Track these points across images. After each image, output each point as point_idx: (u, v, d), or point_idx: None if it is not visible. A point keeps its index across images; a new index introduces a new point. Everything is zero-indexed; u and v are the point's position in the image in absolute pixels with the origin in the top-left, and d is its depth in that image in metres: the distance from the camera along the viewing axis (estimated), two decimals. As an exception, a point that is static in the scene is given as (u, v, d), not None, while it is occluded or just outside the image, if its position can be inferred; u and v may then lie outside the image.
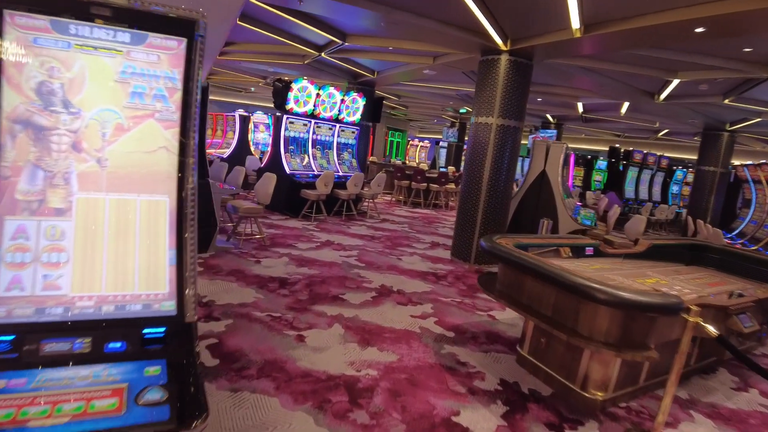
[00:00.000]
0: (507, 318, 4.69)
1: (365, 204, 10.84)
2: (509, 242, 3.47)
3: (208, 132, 13.97)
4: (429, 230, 9.38)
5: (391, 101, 16.75)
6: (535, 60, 6.45)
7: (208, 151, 13.55)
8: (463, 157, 22.45)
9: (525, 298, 3.25)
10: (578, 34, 5.32)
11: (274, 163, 9.36)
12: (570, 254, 4.18)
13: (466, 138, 22.66)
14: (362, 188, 9.79)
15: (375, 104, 11.85)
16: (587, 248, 4.32)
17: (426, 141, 27.96)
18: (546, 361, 3.47)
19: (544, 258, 3.41)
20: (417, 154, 26.77)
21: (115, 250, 1.80)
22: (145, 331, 1.73)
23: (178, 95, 1.93)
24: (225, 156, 12.20)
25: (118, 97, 1.83)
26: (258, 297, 4.54)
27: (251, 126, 13.19)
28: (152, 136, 1.90)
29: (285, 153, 9.23)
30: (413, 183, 12.78)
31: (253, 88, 16.47)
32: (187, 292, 1.83)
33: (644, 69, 7.47)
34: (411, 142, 27.79)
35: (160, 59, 1.88)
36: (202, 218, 5.83)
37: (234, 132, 12.61)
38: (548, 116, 15.73)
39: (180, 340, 1.76)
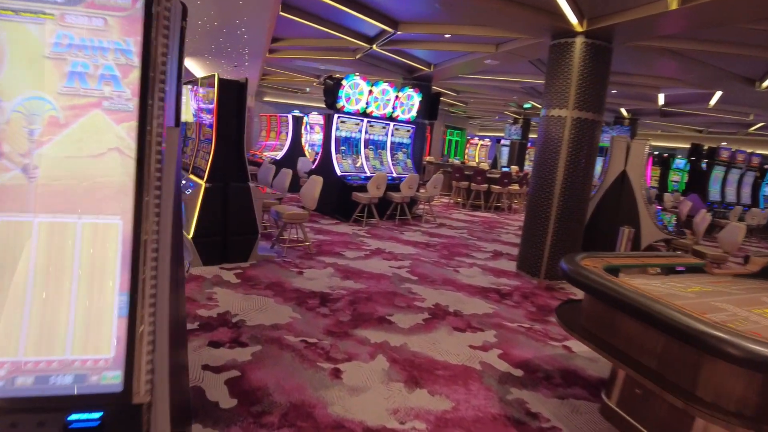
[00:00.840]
0: (587, 350, 3.88)
1: (420, 207, 10.18)
2: (597, 264, 2.71)
3: (262, 134, 13.85)
4: (490, 237, 8.58)
5: (449, 97, 15.97)
6: (615, 42, 5.54)
7: (259, 153, 13.40)
8: (527, 156, 21.27)
9: (619, 341, 2.48)
10: (674, 5, 4.40)
11: (325, 165, 8.91)
12: (659, 271, 3.34)
13: (530, 136, 21.52)
14: (417, 190, 9.15)
15: (432, 100, 11.16)
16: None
17: (486, 139, 26.83)
18: (641, 418, 2.67)
19: (630, 278, 2.62)
20: (477, 154, 25.73)
21: (42, 294, 1.27)
22: (72, 418, 1.18)
23: (134, 75, 1.36)
24: (278, 158, 11.96)
25: (50, 79, 1.31)
26: (294, 317, 4.02)
27: (304, 127, 12.88)
28: (99, 134, 1.35)
29: (336, 154, 8.76)
30: (473, 184, 11.98)
31: (308, 89, 16.26)
32: (139, 358, 1.27)
33: (749, 49, 6.32)
34: (470, 141, 26.75)
35: (108, 25, 1.33)
36: (243, 225, 5.42)
37: (287, 133, 12.36)
38: (622, 110, 14.36)
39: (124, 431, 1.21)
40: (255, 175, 7.91)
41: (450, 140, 27.99)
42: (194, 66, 9.98)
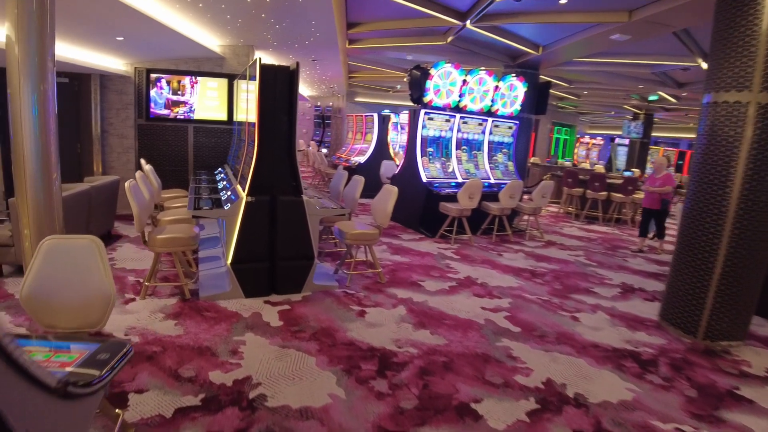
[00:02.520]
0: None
1: (524, 219, 8.52)
2: None
3: (349, 135, 12.93)
4: (614, 262, 6.73)
5: (559, 89, 13.93)
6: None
7: (344, 156, 12.46)
8: (649, 158, 18.38)
9: None
10: None
11: (409, 170, 7.65)
12: None
13: (653, 134, 18.53)
14: (520, 200, 7.53)
15: (539, 91, 9.43)
16: None
17: (598, 138, 23.81)
18: None
19: None
20: (588, 154, 22.90)
21: None
22: None
23: None
24: (362, 162, 10.93)
25: None
26: (335, 395, 2.78)
27: (393, 127, 11.74)
28: None
29: (422, 157, 7.45)
30: (589, 191, 10.00)
31: (398, 86, 15.11)
32: None
33: None
34: (580, 140, 23.91)
35: None
36: (295, 248, 4.30)
37: (373, 134, 11.29)
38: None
39: None
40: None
41: (557, 139, 25.35)
42: (269, 59, 9.17)
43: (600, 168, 16.17)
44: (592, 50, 7.86)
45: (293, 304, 4.18)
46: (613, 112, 22.30)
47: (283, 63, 9.58)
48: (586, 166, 17.27)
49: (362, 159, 11.09)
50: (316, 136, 19.12)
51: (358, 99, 17.42)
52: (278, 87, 4.07)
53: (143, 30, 5.29)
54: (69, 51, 6.19)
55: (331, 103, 18.09)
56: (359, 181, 5.37)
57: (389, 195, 4.69)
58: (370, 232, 4.67)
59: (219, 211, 4.09)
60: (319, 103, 19.09)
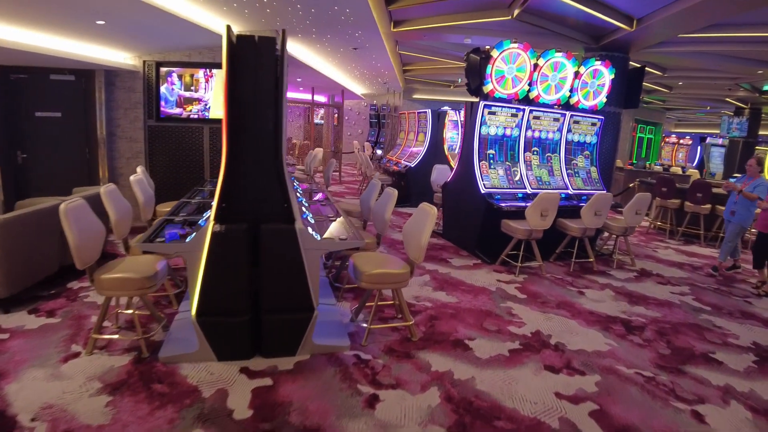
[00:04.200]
0: None
1: (609, 241, 6.81)
2: None
3: (401, 135, 11.58)
4: (733, 305, 4.94)
5: (649, 79, 11.78)
6: None
7: (394, 159, 11.13)
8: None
9: None
10: None
11: (464, 177, 6.21)
12: None
13: (761, 132, 15.68)
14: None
15: (630, 78, 7.64)
16: None
17: (687, 137, 20.75)
18: None
19: None
20: (673, 155, 19.97)
21: None
22: None
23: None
24: (412, 165, 9.55)
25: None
26: None
27: (452, 125, 10.28)
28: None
29: (480, 161, 5.97)
30: (689, 203, 8.03)
31: (459, 79, 13.54)
32: None
33: None
34: (666, 139, 20.96)
35: None
36: (287, 296, 3.06)
37: (425, 134, 9.88)
38: None
39: None
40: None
41: (640, 138, 22.54)
42: (302, 50, 7.90)
43: (694, 173, 13.72)
44: (704, 21, 6.02)
45: (280, 375, 2.93)
46: (708, 107, 19.42)
47: (321, 53, 8.36)
48: (676, 170, 14.80)
49: (413, 162, 9.71)
50: (371, 137, 17.98)
51: (416, 96, 16.03)
52: (260, 68, 2.82)
53: (128, 11, 4.28)
54: (69, 45, 5.34)
55: (386, 101, 16.86)
56: (390, 196, 4.03)
57: (425, 219, 3.30)
58: (396, 271, 3.32)
59: (174, 246, 2.91)
60: (374, 102, 17.92)
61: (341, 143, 16.55)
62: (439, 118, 9.74)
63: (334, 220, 3.66)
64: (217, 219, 2.88)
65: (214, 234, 2.85)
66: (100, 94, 5.92)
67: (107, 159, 6.14)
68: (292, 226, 2.92)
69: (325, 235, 3.16)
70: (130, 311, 3.37)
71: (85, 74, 5.97)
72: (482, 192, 5.74)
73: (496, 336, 3.68)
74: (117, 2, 3.99)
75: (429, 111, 9.78)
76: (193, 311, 2.97)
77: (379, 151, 15.65)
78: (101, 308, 3.20)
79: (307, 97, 15.11)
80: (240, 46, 2.78)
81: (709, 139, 18.56)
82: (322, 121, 18.19)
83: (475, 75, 5.96)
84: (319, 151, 11.27)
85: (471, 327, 3.81)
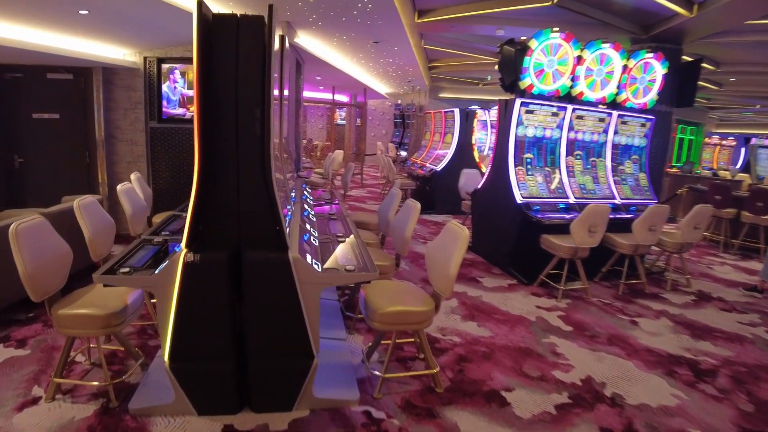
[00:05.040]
0: None
1: (661, 259, 6.01)
2: None
3: (425, 136, 10.90)
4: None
5: (701, 74, 10.77)
6: None
7: (419, 161, 10.48)
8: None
9: None
10: None
11: (497, 184, 5.54)
12: None
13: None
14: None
15: (685, 74, 6.80)
16: None
17: (730, 137, 19.31)
18: None
19: None
20: (715, 157, 18.56)
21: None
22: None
23: None
24: (438, 170, 8.87)
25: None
26: None
27: (478, 125, 9.56)
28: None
29: (516, 166, 5.28)
30: (746, 213, 7.13)
31: (489, 76, 12.76)
32: None
33: None
34: (708, 140, 19.56)
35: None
36: (279, 339, 2.46)
37: (452, 135, 9.19)
38: None
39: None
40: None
41: (680, 139, 21.21)
42: (318, 45, 7.27)
43: (745, 177, 12.58)
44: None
45: (265, 443, 2.34)
46: (758, 106, 18.10)
47: (329, 45, 7.67)
48: (725, 175, 13.64)
49: (439, 166, 9.04)
50: (395, 138, 17.34)
51: (442, 95, 15.31)
52: (243, 55, 2.23)
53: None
54: (64, 41, 4.89)
55: (411, 101, 16.20)
56: (412, 210, 3.39)
57: (454, 243, 2.65)
58: (417, 309, 2.67)
59: (139, 279, 2.34)
60: (399, 101, 17.27)
61: (364, 145, 15.97)
62: (467, 118, 9.04)
63: (344, 241, 3.04)
64: (191, 245, 2.30)
65: (186, 265, 2.27)
66: (98, 93, 5.44)
67: (107, 163, 5.68)
68: (284, 254, 2.31)
69: (328, 264, 2.54)
70: (100, 347, 2.83)
71: (83, 73, 5.52)
72: (518, 202, 5.04)
73: (539, 385, 3.00)
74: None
75: (456, 110, 9.08)
76: (166, 356, 2.40)
77: (403, 153, 15.00)
78: (63, 348, 2.67)
79: (328, 96, 14.58)
80: (217, 27, 2.19)
81: (755, 140, 17.22)
82: (345, 122, 17.62)
83: (510, 69, 5.28)
84: (338, 154, 10.70)
85: (508, 372, 3.14)
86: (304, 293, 2.36)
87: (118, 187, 3.90)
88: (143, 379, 2.85)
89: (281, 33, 5.43)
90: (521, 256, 5.09)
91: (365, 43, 7.16)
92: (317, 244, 2.89)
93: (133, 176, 4.51)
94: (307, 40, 6.53)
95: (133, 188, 4.18)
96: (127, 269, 2.36)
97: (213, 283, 2.32)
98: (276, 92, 2.43)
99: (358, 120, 17.12)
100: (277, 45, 2.29)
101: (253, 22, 2.19)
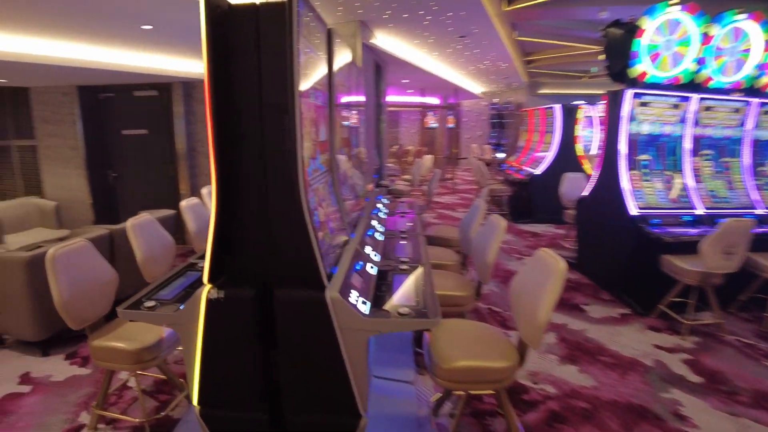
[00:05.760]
0: None
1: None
2: None
3: (523, 136, 10.01)
4: None
5: None
6: None
7: (515, 164, 9.69)
8: None
9: None
10: None
11: (606, 190, 4.74)
12: None
13: None
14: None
15: None
16: None
17: None
18: None
19: None
20: None
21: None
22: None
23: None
24: (537, 174, 8.00)
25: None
26: None
27: (585, 122, 8.53)
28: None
29: (628, 170, 4.44)
30: None
31: (594, 68, 11.47)
32: None
33: None
34: None
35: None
36: (319, 391, 2.06)
37: (553, 134, 8.26)
38: None
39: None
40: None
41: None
42: (399, 44, 6.75)
43: None
44: None
45: None
46: None
47: (411, 44, 7.13)
48: None
49: (538, 169, 8.19)
50: (492, 139, 16.45)
51: (542, 91, 14.17)
52: (265, 51, 1.83)
53: (179, 12, 3.63)
54: (145, 59, 5.00)
55: (508, 99, 15.23)
56: (495, 229, 2.82)
57: (547, 278, 2.04)
58: (495, 366, 2.10)
59: (162, 316, 2.04)
60: (495, 100, 16.35)
61: (457, 148, 15.31)
62: (570, 115, 8.10)
63: (408, 269, 2.54)
64: (214, 279, 1.96)
65: (209, 302, 1.93)
66: (179, 107, 5.51)
67: (188, 176, 5.73)
68: (319, 293, 1.88)
69: (382, 304, 2.07)
70: (138, 382, 2.62)
71: (166, 88, 5.63)
72: (632, 214, 4.21)
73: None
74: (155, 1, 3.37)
75: (557, 106, 8.17)
76: (195, 400, 2.09)
77: (501, 155, 14.11)
78: (103, 380, 2.50)
79: (417, 99, 14.14)
80: (233, 19, 1.82)
81: None
82: (437, 125, 17.08)
83: (619, 55, 4.46)
84: (427, 159, 10.22)
85: (620, 440, 2.45)
86: (345, 341, 1.91)
87: (183, 203, 3.76)
88: (185, 415, 2.61)
89: (353, 33, 5.09)
90: (636, 279, 4.24)
91: (450, 38, 6.59)
92: (374, 272, 2.43)
93: (204, 190, 4.40)
94: (386, 40, 6.13)
95: (201, 203, 4.05)
96: (152, 303, 2.09)
97: (240, 323, 1.96)
98: (311, 98, 2.02)
99: (451, 121, 16.48)
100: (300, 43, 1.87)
101: (278, 12, 1.79)
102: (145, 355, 2.33)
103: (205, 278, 1.95)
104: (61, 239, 3.92)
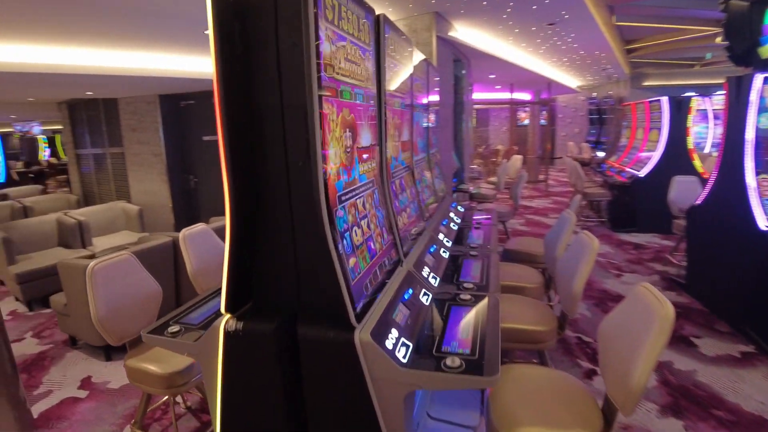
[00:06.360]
0: None
1: None
2: None
3: (625, 133, 8.97)
4: None
5: None
6: None
7: (616, 165, 8.75)
8: None
9: None
10: None
11: (725, 198, 3.95)
12: None
13: None
14: None
15: None
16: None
17: None
18: None
19: None
20: None
21: None
22: None
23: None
24: (641, 176, 7.07)
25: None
26: None
27: (696, 116, 7.43)
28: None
29: (756, 173, 3.64)
30: None
31: (709, 54, 9.98)
32: None
33: None
34: None
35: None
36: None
37: (659, 131, 7.24)
38: None
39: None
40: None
41: None
42: (481, 36, 6.19)
43: None
44: None
45: None
46: None
47: (494, 35, 6.51)
48: None
49: (642, 171, 7.26)
50: (591, 136, 15.18)
51: (647, 83, 12.78)
52: (282, 43, 1.54)
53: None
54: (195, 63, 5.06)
55: (610, 92, 13.95)
56: (585, 249, 2.35)
57: (647, 327, 1.58)
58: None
59: (181, 344, 1.84)
60: (594, 94, 15.07)
61: (550, 146, 14.31)
62: (679, 108, 7.08)
63: (471, 302, 2.13)
64: (232, 309, 1.71)
65: (227, 334, 1.68)
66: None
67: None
68: (348, 334, 1.55)
69: (435, 348, 1.70)
70: (173, 406, 2.48)
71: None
72: (762, 228, 3.43)
73: None
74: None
75: (663, 99, 7.18)
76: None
77: (600, 154, 12.95)
78: (141, 399, 2.38)
79: (506, 96, 13.38)
80: (243, 9, 1.54)
81: None
82: (528, 122, 16.13)
83: (743, 32, 3.69)
84: (515, 160, 9.57)
85: None
86: (379, 393, 1.57)
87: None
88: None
89: (428, 26, 4.72)
90: (765, 308, 3.44)
91: (537, 26, 5.98)
92: (427, 303, 2.06)
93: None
94: (468, 33, 5.66)
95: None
96: (177, 328, 1.90)
97: (261, 359, 1.69)
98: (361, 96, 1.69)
99: (543, 118, 15.46)
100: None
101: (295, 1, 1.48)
102: (177, 379, 2.17)
103: (223, 307, 1.70)
104: (134, 244, 3.98)
